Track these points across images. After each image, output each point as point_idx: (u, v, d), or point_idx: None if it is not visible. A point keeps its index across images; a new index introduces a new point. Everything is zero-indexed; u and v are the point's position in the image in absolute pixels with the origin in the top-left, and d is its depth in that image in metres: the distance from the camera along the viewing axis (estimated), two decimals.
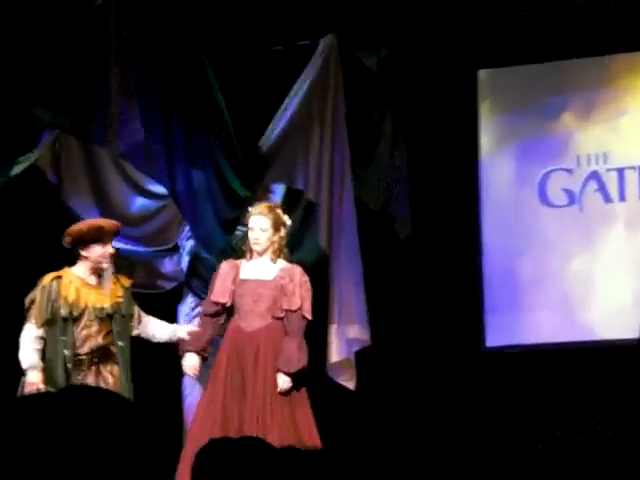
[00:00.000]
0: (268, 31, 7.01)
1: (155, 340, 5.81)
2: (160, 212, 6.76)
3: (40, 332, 5.41)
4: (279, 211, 5.72)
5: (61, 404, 1.32)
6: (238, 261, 5.69)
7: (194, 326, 5.80)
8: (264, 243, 5.57)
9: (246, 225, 5.72)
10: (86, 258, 5.53)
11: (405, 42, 6.92)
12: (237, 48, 7.04)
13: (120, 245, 6.61)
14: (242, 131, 6.66)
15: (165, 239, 6.82)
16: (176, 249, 6.85)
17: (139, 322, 5.70)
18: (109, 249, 5.58)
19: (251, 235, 5.60)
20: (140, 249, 6.76)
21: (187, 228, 6.65)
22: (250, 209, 5.71)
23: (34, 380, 5.33)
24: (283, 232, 5.63)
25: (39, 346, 5.41)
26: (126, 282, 5.72)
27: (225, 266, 5.66)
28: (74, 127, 6.06)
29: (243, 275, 5.60)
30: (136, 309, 5.70)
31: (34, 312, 5.42)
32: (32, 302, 5.45)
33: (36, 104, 5.79)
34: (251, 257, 5.63)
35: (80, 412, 1.28)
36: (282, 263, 5.62)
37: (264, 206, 5.70)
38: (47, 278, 5.50)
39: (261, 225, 5.58)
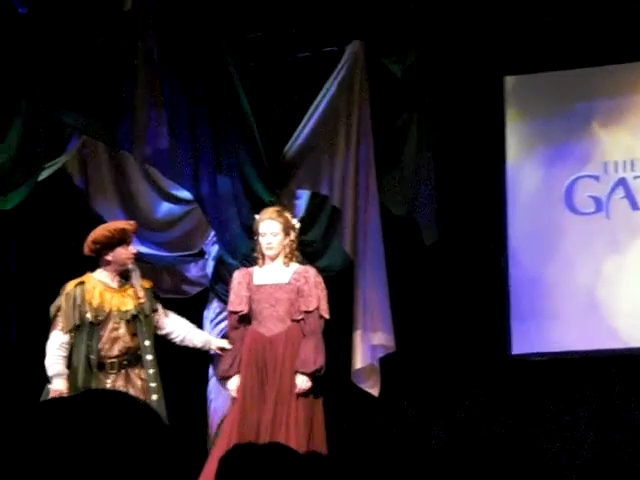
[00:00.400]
0: (294, 37, 7.02)
1: (184, 343, 5.82)
2: (185, 217, 6.78)
3: (67, 338, 5.45)
4: (288, 214, 5.75)
5: (78, 408, 1.32)
6: (250, 268, 5.70)
7: (226, 344, 5.80)
8: (277, 247, 5.59)
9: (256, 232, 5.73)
10: (110, 262, 5.57)
11: (432, 48, 6.91)
12: (263, 54, 7.06)
13: (145, 250, 6.64)
14: (267, 137, 6.68)
15: (190, 244, 6.84)
16: (201, 254, 6.86)
17: (166, 316, 5.75)
18: (132, 249, 5.64)
19: (263, 240, 5.62)
20: (165, 254, 6.78)
21: (212, 233, 6.67)
22: (257, 216, 5.72)
23: (59, 388, 5.36)
24: (293, 235, 5.66)
25: (65, 353, 5.45)
26: (146, 284, 5.78)
27: (237, 275, 5.69)
28: (101, 132, 6.10)
29: (258, 281, 5.61)
30: (159, 305, 5.76)
31: (61, 319, 5.45)
32: (58, 309, 5.49)
33: (64, 110, 5.82)
34: (263, 263, 5.64)
35: (96, 416, 1.28)
36: (295, 266, 5.64)
37: (273, 210, 5.72)
38: (70, 285, 5.54)
39: (272, 230, 5.60)
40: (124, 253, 5.58)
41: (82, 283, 5.54)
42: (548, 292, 6.92)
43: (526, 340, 6.95)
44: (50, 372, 5.43)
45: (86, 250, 5.63)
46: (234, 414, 5.45)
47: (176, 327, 5.83)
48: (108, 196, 6.66)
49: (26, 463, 1.27)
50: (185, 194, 6.53)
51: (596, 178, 6.97)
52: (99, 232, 5.67)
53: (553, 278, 6.91)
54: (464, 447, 5.25)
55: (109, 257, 5.56)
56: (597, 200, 6.94)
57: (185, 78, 6.15)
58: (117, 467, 1.26)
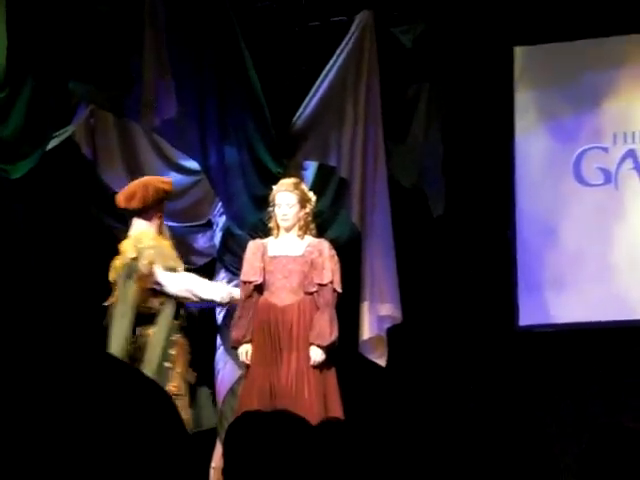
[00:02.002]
0: (303, 7, 6.98)
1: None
2: (193, 187, 6.77)
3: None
4: (304, 187, 5.74)
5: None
6: (265, 239, 5.71)
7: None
8: (292, 219, 5.59)
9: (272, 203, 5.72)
10: (161, 216, 5.61)
11: (441, 19, 6.88)
12: (272, 24, 7.02)
13: None
14: (276, 107, 6.66)
15: (198, 215, 6.84)
16: (209, 225, 6.86)
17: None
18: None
19: (278, 211, 5.61)
20: (173, 224, 6.78)
21: (220, 204, 6.67)
22: (274, 187, 5.71)
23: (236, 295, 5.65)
24: (309, 208, 5.65)
25: None
26: None
27: (252, 245, 5.69)
28: (109, 102, 6.08)
29: (272, 252, 5.61)
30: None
31: (164, 261, 5.46)
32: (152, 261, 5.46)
33: (71, 79, 5.80)
34: (278, 234, 5.64)
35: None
36: (309, 238, 5.64)
37: (290, 182, 5.70)
38: (148, 237, 5.52)
39: (288, 201, 5.59)
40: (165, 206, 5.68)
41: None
42: (556, 264, 6.92)
43: (534, 312, 6.96)
44: (226, 289, 5.62)
45: (139, 202, 5.59)
46: (248, 384, 5.49)
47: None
48: (116, 166, 6.66)
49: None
50: (193, 164, 6.52)
51: (605, 150, 6.94)
52: (157, 184, 5.69)
53: (561, 250, 6.91)
54: (470, 418, 5.27)
55: (160, 211, 5.63)
56: (606, 172, 6.93)
57: (193, 48, 6.13)
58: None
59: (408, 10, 6.87)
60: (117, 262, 5.56)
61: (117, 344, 5.36)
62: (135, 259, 5.50)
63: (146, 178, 5.89)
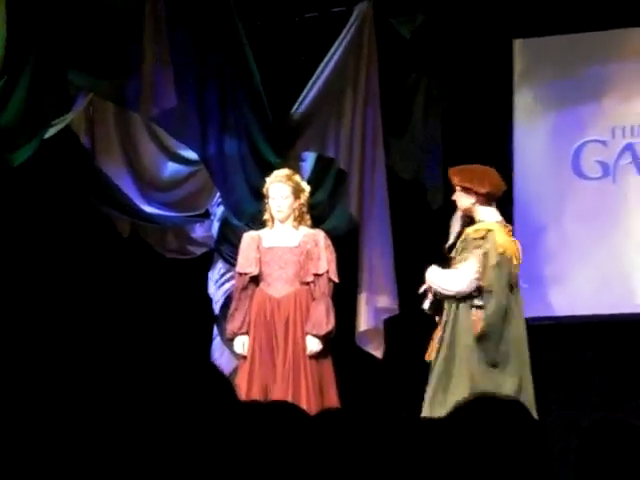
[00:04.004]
0: None
1: None
2: (191, 177, 6.77)
3: None
4: (297, 178, 5.74)
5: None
6: (260, 231, 5.71)
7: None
8: (286, 210, 5.60)
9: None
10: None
11: (440, 10, 6.86)
12: (271, 14, 7.01)
13: (151, 210, 6.64)
14: (275, 98, 6.65)
15: (196, 205, 6.84)
16: (207, 215, 6.87)
17: None
18: None
19: (272, 203, 5.62)
20: (171, 214, 6.78)
21: (218, 194, 6.67)
22: (267, 179, 5.71)
23: None
24: (303, 199, 5.66)
25: None
26: None
27: (247, 237, 5.70)
28: (108, 91, 6.07)
29: (267, 243, 5.62)
30: None
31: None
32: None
33: (70, 67, 5.80)
34: (273, 225, 5.65)
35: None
36: (304, 229, 5.65)
37: (283, 174, 5.71)
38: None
39: (282, 193, 5.60)
40: None
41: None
42: (555, 256, 6.92)
43: (533, 304, 6.94)
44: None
45: (499, 190, 5.51)
46: (244, 376, 5.49)
47: None
48: (114, 155, 6.65)
49: None
50: (191, 154, 6.52)
51: (603, 143, 6.94)
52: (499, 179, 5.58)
53: (560, 242, 6.91)
54: (467, 410, 5.28)
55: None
56: (604, 165, 6.93)
57: (192, 38, 6.12)
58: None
59: (407, 1, 6.86)
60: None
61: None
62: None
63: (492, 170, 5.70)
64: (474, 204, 5.47)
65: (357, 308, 6.55)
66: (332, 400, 5.44)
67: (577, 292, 6.85)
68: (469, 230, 5.44)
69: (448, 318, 5.35)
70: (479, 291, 5.30)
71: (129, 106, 6.21)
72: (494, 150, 7.09)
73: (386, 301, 6.57)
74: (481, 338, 5.26)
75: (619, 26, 6.86)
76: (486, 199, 5.49)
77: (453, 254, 5.49)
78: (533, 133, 7.08)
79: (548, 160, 7.02)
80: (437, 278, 5.44)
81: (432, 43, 6.91)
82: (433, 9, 6.83)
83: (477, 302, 5.30)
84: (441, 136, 7.01)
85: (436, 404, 5.27)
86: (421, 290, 5.51)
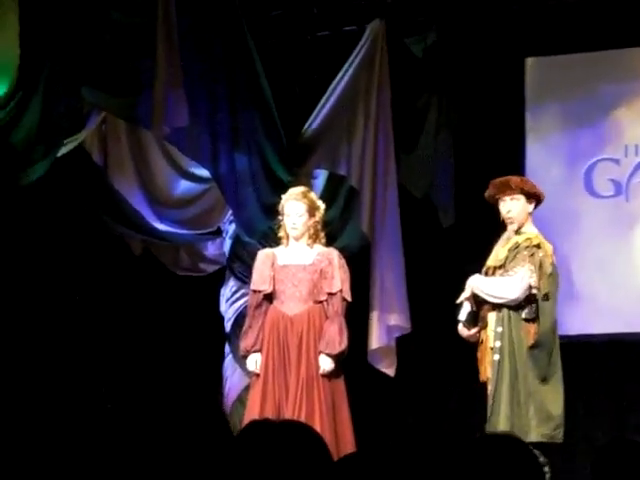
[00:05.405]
0: (315, 16, 6.99)
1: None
2: (203, 195, 6.78)
3: None
4: (313, 195, 5.74)
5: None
6: (275, 248, 5.71)
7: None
8: (301, 228, 5.60)
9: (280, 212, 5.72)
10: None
11: (452, 29, 6.88)
12: (283, 33, 7.04)
13: (163, 228, 6.66)
14: (286, 116, 6.67)
15: (208, 222, 6.85)
16: (219, 232, 6.88)
17: None
18: None
19: (287, 221, 5.61)
20: (183, 232, 6.79)
21: (230, 212, 6.67)
22: (283, 196, 5.71)
23: None
24: (318, 216, 5.65)
25: None
26: None
27: (262, 255, 5.70)
28: (121, 109, 6.09)
29: (281, 261, 5.62)
30: None
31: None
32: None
33: (84, 85, 5.82)
34: (288, 243, 5.65)
35: None
36: (319, 247, 5.64)
37: (298, 191, 5.70)
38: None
39: (297, 210, 5.60)
40: None
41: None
42: (566, 275, 6.89)
43: None
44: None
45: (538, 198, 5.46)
46: (256, 394, 5.47)
47: None
48: (126, 173, 6.67)
49: None
50: (203, 172, 6.53)
51: (616, 161, 6.93)
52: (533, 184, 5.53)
53: (572, 261, 6.89)
54: (479, 426, 5.27)
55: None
56: (617, 183, 6.92)
57: (205, 56, 6.14)
58: None
59: (420, 20, 6.88)
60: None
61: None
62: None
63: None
64: (530, 214, 5.44)
65: (369, 326, 6.54)
66: (344, 418, 5.43)
67: (590, 311, 6.82)
68: (519, 239, 5.38)
69: (503, 329, 5.24)
70: (528, 302, 5.25)
71: (142, 124, 6.22)
72: (506, 169, 7.08)
73: (398, 319, 6.56)
74: (535, 348, 5.20)
75: (631, 45, 6.86)
76: (534, 209, 5.45)
77: (499, 264, 5.38)
78: (545, 151, 7.08)
79: (560, 179, 7.02)
80: (487, 286, 5.34)
81: (444, 62, 6.92)
82: (445, 28, 6.85)
83: (527, 315, 5.25)
84: (453, 154, 7.01)
85: (517, 417, 5.16)
86: (460, 299, 5.43)
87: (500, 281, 5.31)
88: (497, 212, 5.57)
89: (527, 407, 5.12)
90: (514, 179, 5.55)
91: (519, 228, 5.41)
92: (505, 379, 5.19)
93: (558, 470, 5.45)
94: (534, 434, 5.10)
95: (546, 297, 5.21)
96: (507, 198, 5.44)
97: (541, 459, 4.85)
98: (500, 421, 5.12)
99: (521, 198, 5.42)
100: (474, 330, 5.37)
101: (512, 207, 5.42)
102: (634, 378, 6.74)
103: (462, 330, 5.42)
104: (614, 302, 6.79)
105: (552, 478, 5.13)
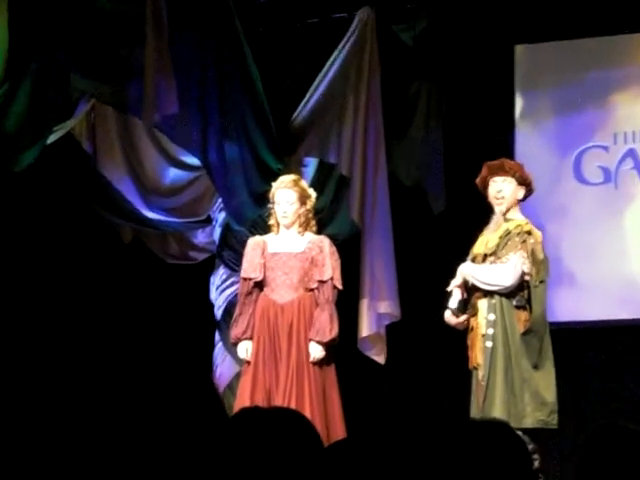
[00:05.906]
0: (303, 3, 6.98)
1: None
2: (193, 183, 6.78)
3: None
4: (304, 184, 5.74)
5: None
6: (265, 236, 5.71)
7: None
8: (292, 216, 5.60)
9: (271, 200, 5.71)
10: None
11: (442, 16, 6.87)
12: (272, 20, 7.02)
13: (153, 216, 6.65)
14: (276, 104, 6.66)
15: (198, 210, 6.85)
16: (209, 221, 6.87)
17: None
18: None
19: (278, 209, 5.61)
20: (173, 220, 6.79)
21: (220, 200, 6.67)
22: (274, 184, 5.71)
23: None
24: (309, 205, 5.65)
25: None
26: None
27: (252, 242, 5.70)
28: (110, 97, 6.08)
29: (272, 249, 5.62)
30: None
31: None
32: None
33: (73, 73, 5.80)
34: (278, 231, 5.65)
35: None
36: (310, 235, 5.65)
37: (289, 179, 5.70)
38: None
39: (288, 198, 5.59)
40: None
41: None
42: (555, 262, 6.91)
43: None
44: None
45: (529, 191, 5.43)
46: (247, 381, 5.48)
47: None
48: (116, 160, 6.66)
49: None
50: (193, 160, 6.52)
51: (605, 149, 6.95)
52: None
53: (561, 248, 6.91)
54: (468, 414, 5.28)
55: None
56: (606, 170, 6.93)
57: (194, 44, 6.13)
58: None
59: (409, 7, 6.87)
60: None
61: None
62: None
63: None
64: (519, 201, 5.44)
65: (359, 314, 6.55)
66: (335, 405, 5.44)
67: (578, 298, 6.84)
68: (509, 226, 5.38)
69: (496, 316, 5.24)
70: (519, 288, 5.25)
71: (131, 112, 6.21)
72: (496, 156, 7.08)
73: (388, 307, 6.58)
74: (527, 334, 5.21)
75: (620, 32, 6.86)
76: (524, 198, 5.45)
77: (490, 251, 5.39)
78: (535, 139, 7.09)
79: (550, 166, 7.03)
80: (479, 273, 5.33)
81: (434, 49, 6.91)
82: (435, 16, 6.84)
83: (517, 302, 5.26)
84: (442, 142, 7.02)
85: (513, 405, 5.17)
86: (450, 287, 5.43)
87: (493, 268, 5.31)
88: (486, 199, 5.58)
89: (522, 393, 5.14)
90: (509, 162, 5.57)
91: (507, 211, 5.41)
92: (499, 366, 5.20)
93: (547, 456, 5.47)
94: (530, 419, 5.12)
95: (540, 283, 5.22)
96: (499, 179, 5.45)
97: (530, 446, 4.86)
98: (495, 407, 5.14)
99: (513, 182, 5.42)
100: (463, 318, 5.38)
101: (503, 187, 5.43)
102: (623, 364, 6.76)
103: (450, 318, 5.43)
104: (603, 289, 6.81)
105: (541, 464, 5.15)
